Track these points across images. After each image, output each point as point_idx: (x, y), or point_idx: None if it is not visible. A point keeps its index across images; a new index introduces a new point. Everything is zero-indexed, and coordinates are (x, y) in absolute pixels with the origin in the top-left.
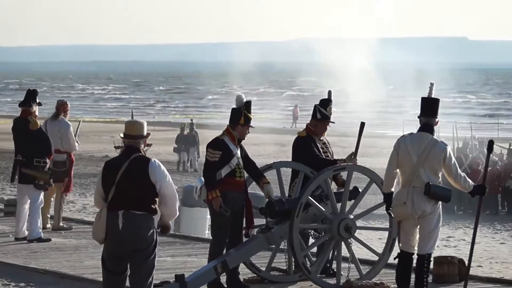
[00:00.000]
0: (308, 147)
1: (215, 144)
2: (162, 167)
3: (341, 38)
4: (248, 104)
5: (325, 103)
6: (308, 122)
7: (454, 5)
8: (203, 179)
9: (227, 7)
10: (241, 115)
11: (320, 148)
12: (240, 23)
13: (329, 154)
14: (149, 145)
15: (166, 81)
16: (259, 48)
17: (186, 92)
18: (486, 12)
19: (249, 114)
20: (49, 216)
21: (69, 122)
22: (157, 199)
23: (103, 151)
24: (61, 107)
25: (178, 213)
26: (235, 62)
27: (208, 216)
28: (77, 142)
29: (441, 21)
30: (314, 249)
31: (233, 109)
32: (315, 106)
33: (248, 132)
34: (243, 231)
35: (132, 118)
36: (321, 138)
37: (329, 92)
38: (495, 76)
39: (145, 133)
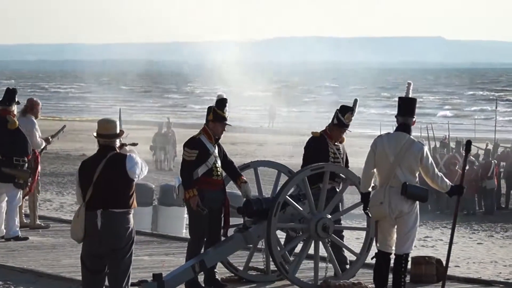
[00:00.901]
0: (314, 148)
1: (191, 143)
2: (137, 159)
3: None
4: (219, 101)
5: (344, 110)
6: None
7: (429, 5)
8: (180, 178)
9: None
10: (210, 111)
11: (332, 153)
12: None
13: (340, 160)
14: (134, 144)
15: (135, 80)
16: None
17: (152, 91)
18: (462, 11)
19: (220, 111)
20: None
21: (34, 120)
22: (134, 194)
23: (79, 150)
24: (34, 106)
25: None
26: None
27: (186, 215)
28: (49, 140)
29: (417, 20)
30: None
31: (207, 107)
32: (336, 110)
33: (224, 130)
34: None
35: (120, 117)
36: (335, 143)
37: (355, 101)
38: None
39: (118, 131)
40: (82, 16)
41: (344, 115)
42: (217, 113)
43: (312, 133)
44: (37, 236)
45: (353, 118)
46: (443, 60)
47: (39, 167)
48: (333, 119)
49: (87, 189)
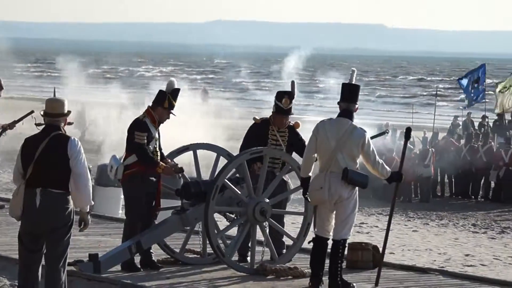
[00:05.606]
0: (253, 134)
1: (140, 126)
2: (80, 145)
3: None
4: (175, 91)
5: (280, 96)
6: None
7: None
8: (117, 157)
9: None
10: (165, 99)
11: (273, 140)
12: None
13: (282, 147)
14: (70, 123)
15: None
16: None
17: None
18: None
19: (173, 101)
20: None
21: None
22: None
23: (16, 128)
24: None
25: (91, 201)
26: None
27: (122, 196)
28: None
29: (358, 7)
30: (229, 232)
31: (159, 91)
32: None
33: (168, 118)
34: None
35: (54, 95)
36: (280, 130)
37: (292, 82)
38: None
39: (65, 111)
40: None
41: (280, 101)
42: (171, 102)
43: (254, 119)
44: None
45: (293, 101)
46: (384, 48)
47: None
48: (273, 107)
49: (28, 167)
